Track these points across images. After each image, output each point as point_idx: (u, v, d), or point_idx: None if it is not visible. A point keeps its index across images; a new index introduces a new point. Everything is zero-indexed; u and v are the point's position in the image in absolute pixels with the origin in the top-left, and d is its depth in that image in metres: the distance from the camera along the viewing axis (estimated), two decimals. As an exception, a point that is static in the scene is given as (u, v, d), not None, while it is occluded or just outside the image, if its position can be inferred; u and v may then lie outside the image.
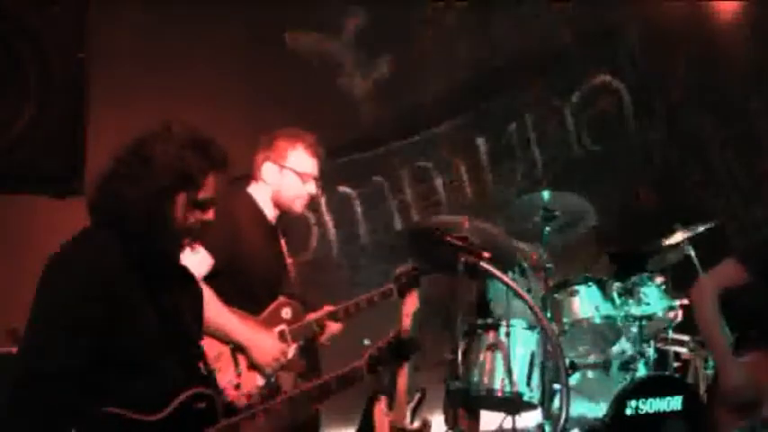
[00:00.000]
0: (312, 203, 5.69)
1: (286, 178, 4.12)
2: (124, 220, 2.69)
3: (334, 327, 4.19)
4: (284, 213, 4.23)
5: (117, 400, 2.59)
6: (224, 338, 3.83)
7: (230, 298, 3.87)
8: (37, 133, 4.33)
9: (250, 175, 4.18)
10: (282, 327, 4.05)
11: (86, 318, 2.58)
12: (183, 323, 2.83)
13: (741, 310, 4.68)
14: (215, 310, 3.76)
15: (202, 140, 2.78)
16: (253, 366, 3.90)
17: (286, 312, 4.08)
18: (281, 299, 4.11)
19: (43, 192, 4.49)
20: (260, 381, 3.92)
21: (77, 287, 2.60)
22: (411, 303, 4.19)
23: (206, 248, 3.69)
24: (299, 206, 4.20)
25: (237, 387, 3.84)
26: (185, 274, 2.97)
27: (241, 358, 3.90)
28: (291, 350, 4.04)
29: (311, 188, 4.18)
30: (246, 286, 4.01)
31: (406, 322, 4.12)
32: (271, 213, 4.19)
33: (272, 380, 3.94)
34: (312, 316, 4.16)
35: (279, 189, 4.14)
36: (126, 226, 2.69)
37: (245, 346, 3.88)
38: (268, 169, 4.13)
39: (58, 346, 2.54)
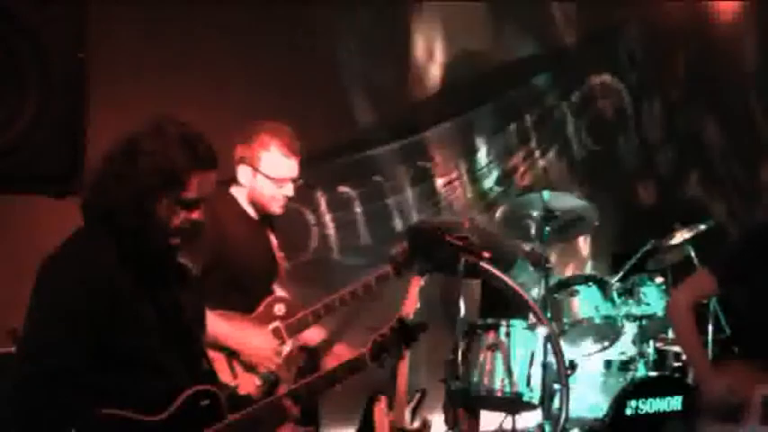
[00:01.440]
0: (312, 203, 5.73)
1: (259, 182, 4.02)
2: (115, 219, 2.68)
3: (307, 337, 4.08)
4: (263, 214, 4.14)
5: (119, 399, 2.58)
6: (214, 345, 3.77)
7: (220, 298, 3.82)
8: (37, 133, 4.32)
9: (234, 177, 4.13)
10: (276, 323, 4.01)
11: (85, 316, 2.58)
12: (183, 321, 2.82)
13: (735, 313, 4.71)
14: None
15: (191, 138, 2.74)
16: (248, 369, 3.89)
17: (279, 309, 4.04)
18: (274, 295, 4.09)
19: (43, 192, 4.47)
20: (257, 382, 3.90)
21: (75, 286, 2.60)
22: (415, 284, 4.09)
23: (191, 251, 3.63)
24: (275, 208, 4.09)
25: (235, 389, 3.82)
26: (185, 271, 2.96)
27: (236, 361, 3.88)
28: (287, 346, 4.01)
29: (288, 191, 4.06)
30: (236, 285, 3.96)
31: (412, 302, 3.98)
32: (253, 212, 4.13)
33: (272, 377, 3.92)
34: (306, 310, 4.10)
35: (253, 192, 4.05)
36: (117, 224, 2.68)
37: (237, 350, 3.86)
38: (242, 172, 4.03)
39: (58, 346, 2.54)
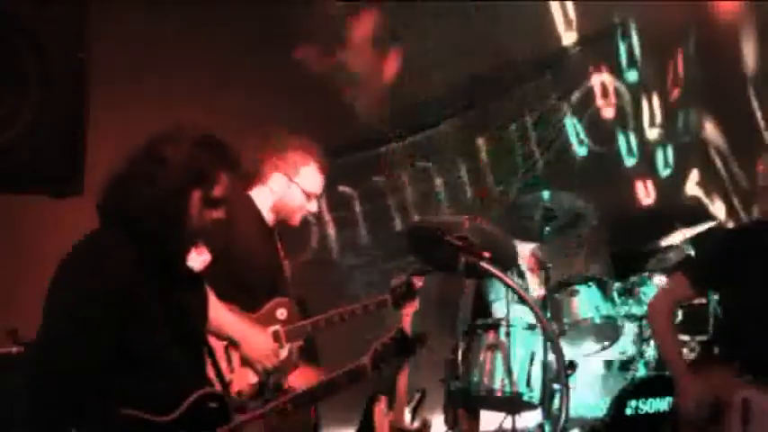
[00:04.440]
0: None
1: (293, 192, 4.18)
2: (137, 221, 2.70)
3: None
4: (281, 222, 4.25)
5: (128, 400, 2.59)
6: (217, 333, 3.81)
7: (226, 293, 3.85)
8: (37, 133, 4.32)
9: (251, 176, 4.18)
10: (277, 327, 4.04)
11: (98, 318, 2.58)
12: (192, 324, 2.84)
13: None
14: (210, 304, 3.76)
15: (214, 139, 2.82)
16: (245, 363, 3.90)
17: (281, 313, 4.08)
18: (277, 299, 4.11)
19: (43, 192, 4.47)
20: (252, 378, 3.91)
21: (90, 287, 2.61)
22: (410, 306, 4.19)
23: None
24: (297, 220, 4.26)
25: (229, 383, 3.83)
26: (192, 275, 2.97)
27: (234, 355, 3.89)
28: (284, 351, 4.03)
29: (313, 206, 4.27)
30: (242, 283, 4.00)
31: (406, 321, 4.12)
32: (269, 217, 4.21)
33: (271, 381, 3.93)
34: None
35: (283, 200, 4.19)
36: (138, 226, 2.70)
37: (238, 341, 3.87)
38: (276, 179, 4.17)
39: (69, 347, 2.55)
